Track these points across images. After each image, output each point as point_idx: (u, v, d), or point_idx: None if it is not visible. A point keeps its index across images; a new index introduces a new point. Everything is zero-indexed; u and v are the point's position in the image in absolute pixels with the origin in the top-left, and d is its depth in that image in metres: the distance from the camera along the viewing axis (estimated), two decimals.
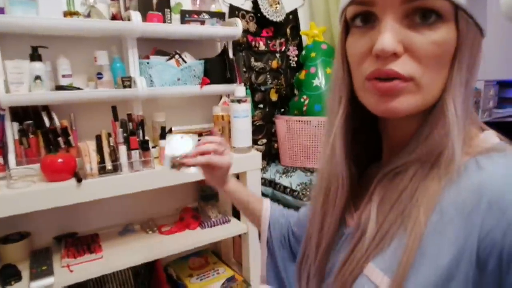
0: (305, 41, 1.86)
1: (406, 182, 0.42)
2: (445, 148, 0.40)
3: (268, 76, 1.82)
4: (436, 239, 0.38)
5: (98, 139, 1.17)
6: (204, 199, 1.65)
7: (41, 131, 1.17)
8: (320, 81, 1.72)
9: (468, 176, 0.38)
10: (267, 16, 1.72)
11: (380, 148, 0.52)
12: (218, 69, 1.48)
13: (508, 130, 0.47)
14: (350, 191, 0.50)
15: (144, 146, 1.22)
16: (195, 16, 1.42)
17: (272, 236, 0.75)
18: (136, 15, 1.22)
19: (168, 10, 1.35)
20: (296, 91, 1.89)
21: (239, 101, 1.38)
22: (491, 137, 0.43)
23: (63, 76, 1.21)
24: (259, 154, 1.45)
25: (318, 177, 0.53)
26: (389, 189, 0.44)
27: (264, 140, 1.87)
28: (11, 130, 1.13)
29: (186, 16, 1.40)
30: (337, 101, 0.48)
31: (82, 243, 1.30)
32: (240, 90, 1.40)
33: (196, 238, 1.39)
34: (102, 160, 1.15)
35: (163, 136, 1.31)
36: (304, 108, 1.73)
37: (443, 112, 0.40)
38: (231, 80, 1.48)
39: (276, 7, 1.74)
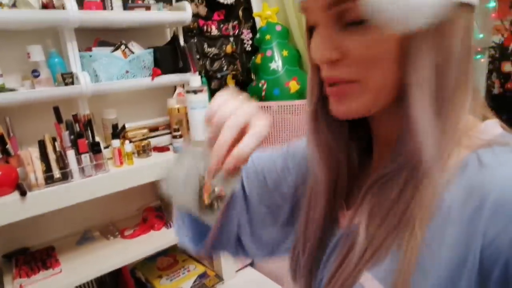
0: (259, 23, 1.80)
1: (396, 192, 0.38)
2: (420, 153, 0.36)
3: (224, 62, 1.74)
4: (434, 249, 0.35)
5: (42, 144, 1.06)
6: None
7: None
8: (277, 64, 1.67)
9: (468, 175, 0.35)
10: None
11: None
12: (169, 58, 1.39)
13: None
14: (332, 194, 0.47)
15: (95, 148, 1.11)
16: (139, 1, 1.31)
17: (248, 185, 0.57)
18: (70, 3, 1.09)
19: None
20: (253, 76, 1.84)
21: (195, 92, 1.30)
22: (493, 127, 0.38)
23: None
24: None
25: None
26: (380, 198, 0.40)
27: None
28: None
29: (129, 2, 1.29)
30: (308, 100, 0.46)
31: (36, 259, 1.19)
32: (195, 79, 1.32)
33: (163, 239, 1.33)
34: (48, 168, 1.04)
35: (115, 134, 1.21)
36: (263, 93, 1.69)
37: (406, 113, 0.36)
38: (184, 69, 1.40)
39: None
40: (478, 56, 3.05)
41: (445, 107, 0.36)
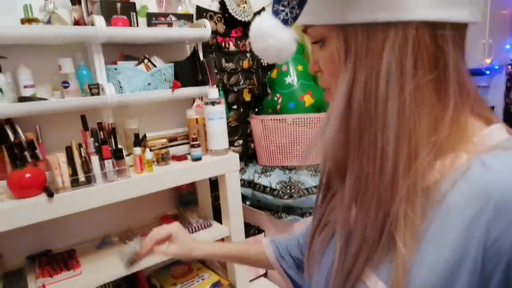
0: None
1: (345, 201, 0.43)
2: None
3: (240, 76, 1.81)
4: (434, 244, 0.36)
5: (69, 150, 1.12)
6: (183, 205, 1.62)
7: (6, 145, 1.11)
8: (292, 78, 1.72)
9: (471, 178, 0.35)
10: (235, 16, 1.71)
11: None
12: (189, 72, 1.46)
13: None
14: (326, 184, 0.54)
15: (117, 155, 1.17)
16: (162, 18, 1.39)
17: (286, 267, 0.73)
18: (100, 20, 1.18)
19: (134, 13, 1.31)
20: (269, 90, 1.89)
21: (213, 103, 1.36)
22: (497, 132, 0.39)
23: (25, 86, 1.15)
24: (237, 156, 1.43)
25: None
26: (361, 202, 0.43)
27: (240, 141, 1.86)
28: None
29: (152, 19, 1.37)
30: None
31: (58, 260, 1.24)
32: (213, 92, 1.38)
33: None
34: (74, 172, 1.10)
35: (137, 143, 1.27)
36: (278, 107, 1.74)
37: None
38: (203, 83, 1.46)
39: (244, 7, 1.74)
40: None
41: (379, 118, 0.38)
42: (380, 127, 0.38)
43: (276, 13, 0.44)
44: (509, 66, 3.06)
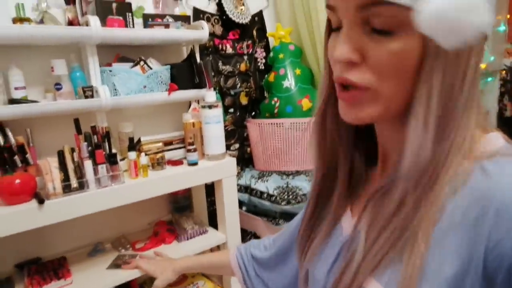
0: (272, 42, 1.84)
1: (394, 204, 0.39)
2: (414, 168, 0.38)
3: (237, 79, 1.78)
4: (438, 252, 0.36)
5: (61, 155, 1.08)
6: (178, 210, 1.59)
7: None
8: (290, 82, 1.70)
9: (473, 184, 0.36)
10: (233, 19, 1.68)
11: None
12: (185, 74, 1.42)
13: None
14: (324, 192, 0.52)
15: (111, 160, 1.14)
16: (159, 20, 1.36)
17: (249, 276, 0.79)
18: (94, 20, 1.14)
19: (130, 14, 1.27)
20: (266, 94, 1.87)
21: (210, 107, 1.33)
22: (496, 139, 0.40)
23: (16, 88, 1.11)
24: (234, 160, 1.40)
25: None
26: (379, 209, 0.41)
27: (237, 145, 1.83)
28: None
29: (149, 20, 1.34)
30: (318, 98, 0.49)
31: (48, 268, 1.20)
32: (210, 95, 1.35)
33: (173, 252, 1.32)
34: (66, 178, 1.06)
35: (131, 147, 1.24)
36: (276, 111, 1.71)
37: (409, 126, 0.38)
38: (200, 85, 1.43)
39: (241, 9, 1.71)
40: (489, 79, 3.05)
41: (452, 126, 0.37)
42: (448, 133, 0.37)
43: None
44: (503, 71, 3.09)
